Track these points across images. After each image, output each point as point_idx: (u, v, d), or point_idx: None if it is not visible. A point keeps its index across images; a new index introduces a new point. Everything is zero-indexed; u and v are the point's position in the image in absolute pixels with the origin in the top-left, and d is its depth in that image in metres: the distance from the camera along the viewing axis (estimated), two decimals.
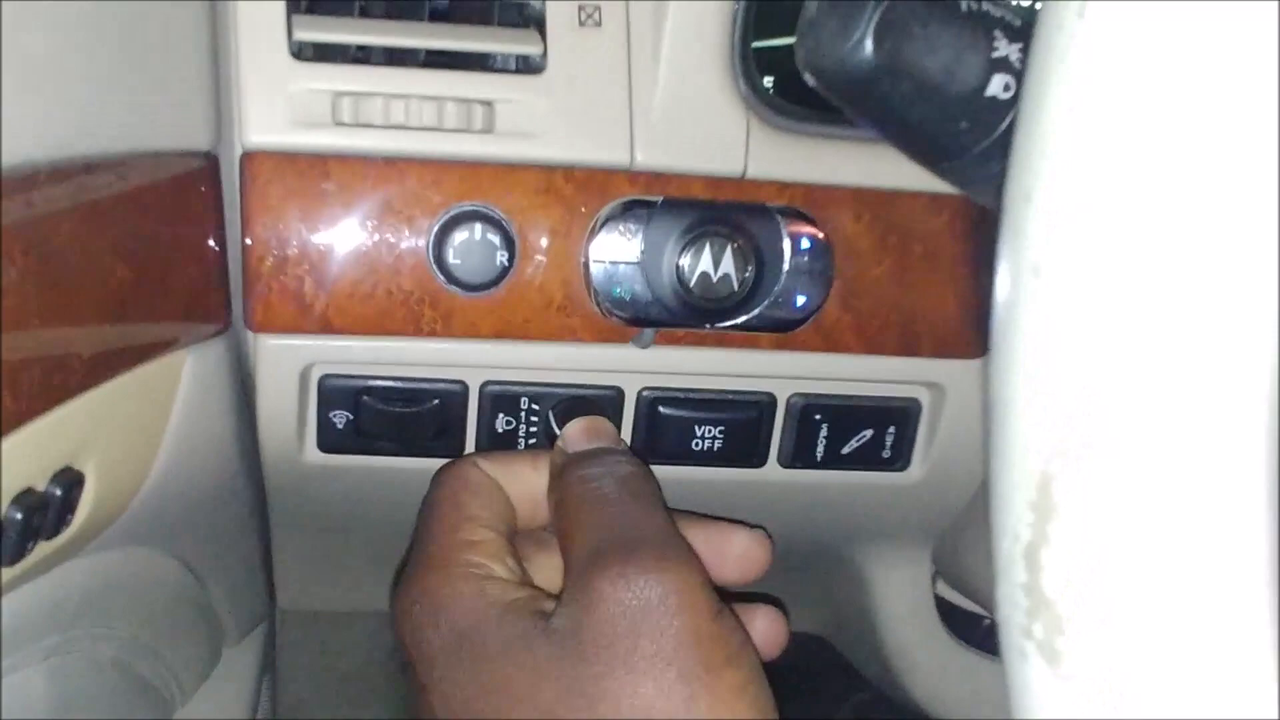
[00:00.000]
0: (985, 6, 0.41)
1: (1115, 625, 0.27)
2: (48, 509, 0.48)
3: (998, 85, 0.41)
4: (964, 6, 0.41)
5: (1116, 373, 0.27)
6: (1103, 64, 0.27)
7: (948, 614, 0.88)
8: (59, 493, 0.48)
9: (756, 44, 0.61)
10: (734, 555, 0.56)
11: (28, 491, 0.46)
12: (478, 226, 0.58)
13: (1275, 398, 0.26)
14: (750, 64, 0.60)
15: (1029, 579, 0.28)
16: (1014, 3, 0.42)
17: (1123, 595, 0.27)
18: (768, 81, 0.61)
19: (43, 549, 0.49)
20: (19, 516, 0.46)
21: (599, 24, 0.59)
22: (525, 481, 0.57)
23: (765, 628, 0.56)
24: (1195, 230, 0.26)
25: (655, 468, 0.62)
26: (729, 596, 0.56)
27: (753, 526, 0.57)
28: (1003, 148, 0.42)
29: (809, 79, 0.44)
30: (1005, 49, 0.41)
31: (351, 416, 0.63)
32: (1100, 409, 0.27)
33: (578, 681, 0.47)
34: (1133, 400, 0.27)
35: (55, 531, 0.49)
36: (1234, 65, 0.26)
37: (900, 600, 0.85)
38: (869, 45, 0.41)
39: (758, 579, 0.56)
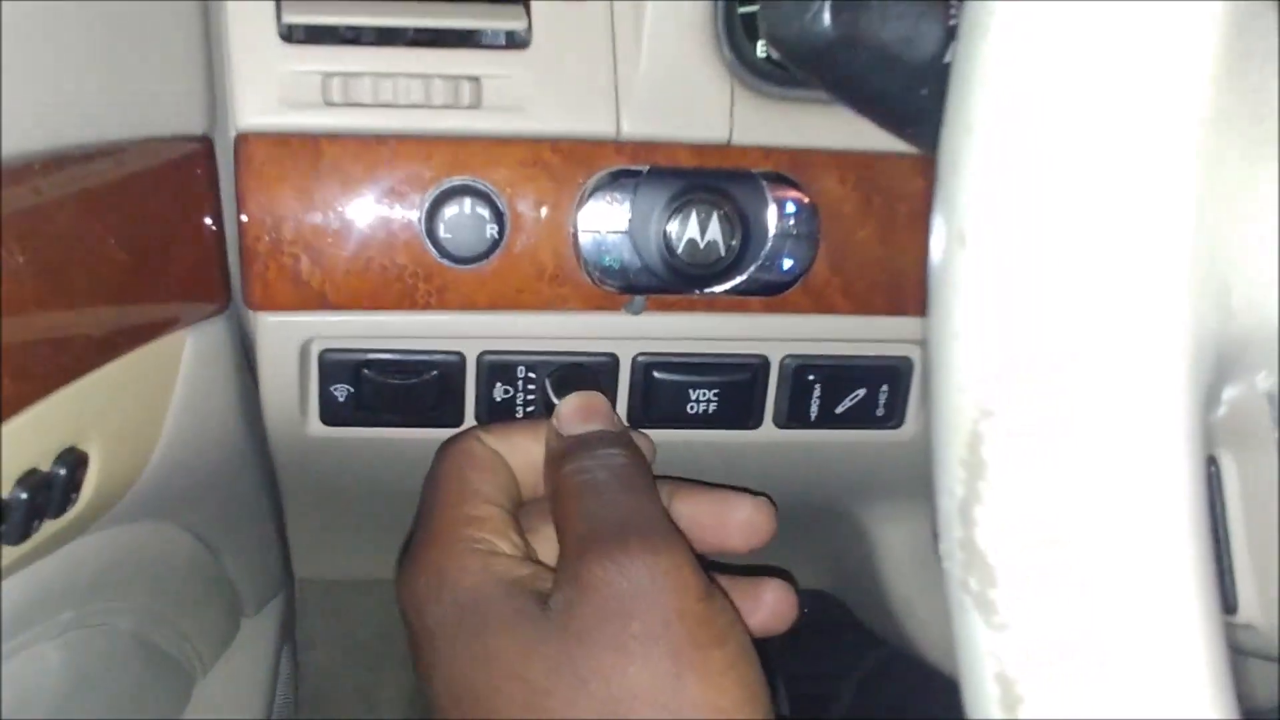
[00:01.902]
0: None
1: (1043, 576, 0.29)
2: (52, 489, 0.49)
3: None
4: None
5: (1036, 338, 0.28)
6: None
7: None
8: (63, 472, 0.50)
9: (742, 9, 0.61)
10: (737, 523, 0.57)
11: (32, 472, 0.48)
12: (467, 200, 0.59)
13: (1193, 356, 0.28)
14: (736, 30, 0.61)
15: (964, 534, 0.30)
16: None
17: (1049, 547, 0.28)
18: (760, 48, 0.62)
19: (48, 528, 0.50)
20: (24, 496, 0.47)
21: None
22: (527, 452, 0.58)
23: (774, 600, 0.57)
24: (1113, 199, 0.27)
25: (652, 431, 0.64)
26: (735, 568, 0.57)
27: (756, 494, 0.58)
28: None
29: (771, 51, 0.45)
30: None
31: (352, 389, 0.64)
32: (1022, 372, 0.28)
33: (569, 660, 0.48)
34: (1052, 363, 0.28)
35: (60, 510, 0.51)
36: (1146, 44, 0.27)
37: (902, 554, 0.86)
38: (826, 17, 0.42)
39: (762, 546, 0.57)
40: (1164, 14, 0.28)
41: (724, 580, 0.55)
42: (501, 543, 0.54)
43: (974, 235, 0.29)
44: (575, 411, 0.58)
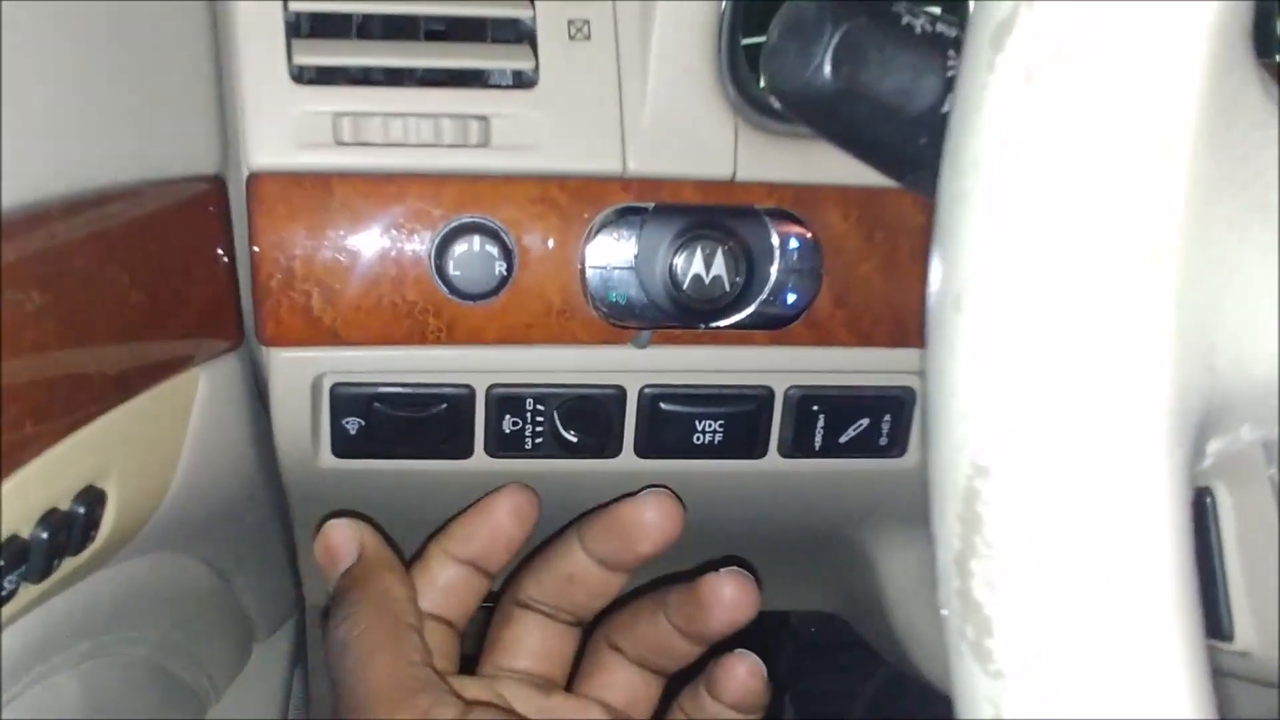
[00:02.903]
0: (940, 28, 0.43)
1: (1037, 625, 0.30)
2: (72, 527, 0.50)
3: None
4: (918, 29, 0.43)
5: (1028, 400, 0.29)
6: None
7: None
8: (82, 511, 0.50)
9: (746, 41, 0.62)
10: (627, 534, 0.58)
11: (52, 511, 0.49)
12: (476, 238, 0.60)
13: (1179, 415, 0.29)
14: (740, 66, 0.62)
15: (960, 585, 0.31)
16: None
17: (1042, 597, 0.30)
18: (762, 82, 0.63)
19: (69, 564, 0.51)
20: (44, 536, 0.48)
21: (588, 37, 0.61)
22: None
23: (730, 595, 0.56)
24: (1101, 268, 0.29)
25: (658, 462, 0.65)
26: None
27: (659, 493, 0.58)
28: None
29: (774, 102, 0.46)
30: None
31: (363, 423, 0.65)
32: (1015, 432, 0.29)
33: None
34: (1043, 424, 0.29)
35: (80, 548, 0.52)
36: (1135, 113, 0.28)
37: (906, 579, 0.87)
38: (827, 70, 0.43)
39: (667, 547, 0.58)
40: (1146, 90, 0.29)
41: (676, 586, 0.57)
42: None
43: (969, 300, 0.30)
44: (321, 554, 0.61)
